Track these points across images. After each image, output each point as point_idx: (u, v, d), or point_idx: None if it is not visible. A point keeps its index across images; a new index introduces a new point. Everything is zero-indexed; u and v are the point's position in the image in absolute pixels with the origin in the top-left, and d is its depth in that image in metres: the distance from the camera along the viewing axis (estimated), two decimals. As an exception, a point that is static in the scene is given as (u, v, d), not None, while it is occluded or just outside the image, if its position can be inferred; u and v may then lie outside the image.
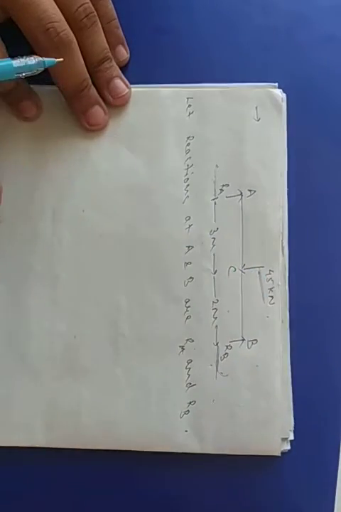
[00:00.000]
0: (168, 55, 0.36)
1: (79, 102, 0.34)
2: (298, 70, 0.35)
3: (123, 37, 0.35)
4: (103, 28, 0.34)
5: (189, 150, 0.34)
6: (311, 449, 0.33)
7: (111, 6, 0.35)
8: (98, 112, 0.34)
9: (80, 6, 0.32)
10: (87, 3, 0.32)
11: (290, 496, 0.33)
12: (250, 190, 0.34)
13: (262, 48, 0.36)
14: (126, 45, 0.36)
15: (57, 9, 0.31)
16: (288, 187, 0.34)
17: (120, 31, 0.35)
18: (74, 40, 0.32)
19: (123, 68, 0.35)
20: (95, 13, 0.33)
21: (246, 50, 0.36)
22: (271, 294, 0.33)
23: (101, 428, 0.32)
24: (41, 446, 0.32)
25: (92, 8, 0.33)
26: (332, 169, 0.34)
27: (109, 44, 0.34)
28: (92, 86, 0.34)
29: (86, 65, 0.33)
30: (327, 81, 0.35)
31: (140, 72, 0.36)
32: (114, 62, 0.34)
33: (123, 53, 0.35)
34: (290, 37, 0.36)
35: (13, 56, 0.31)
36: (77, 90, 0.33)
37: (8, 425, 0.33)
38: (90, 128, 0.34)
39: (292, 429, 0.32)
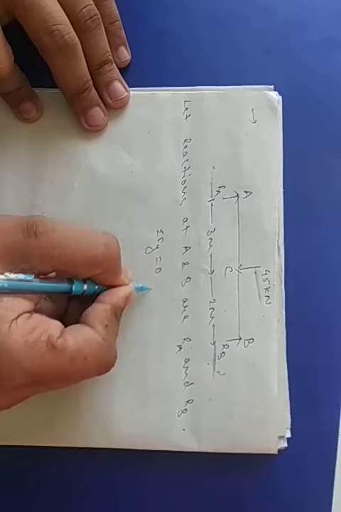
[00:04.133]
0: (167, 57, 0.36)
1: (79, 103, 0.34)
2: (295, 73, 0.36)
3: (125, 38, 0.36)
4: (106, 29, 0.34)
5: (186, 152, 0.35)
6: (308, 446, 0.33)
7: (114, 6, 0.35)
8: (97, 113, 0.35)
9: (84, 7, 0.32)
10: (91, 4, 0.33)
11: (288, 493, 0.33)
12: (246, 192, 0.34)
13: (260, 51, 0.36)
14: (128, 47, 0.36)
15: (62, 11, 0.31)
16: (283, 188, 0.34)
17: (123, 32, 0.36)
18: (79, 43, 0.32)
19: (123, 70, 0.36)
20: (99, 15, 0.33)
21: (245, 53, 0.36)
22: (267, 294, 0.33)
23: (100, 427, 0.33)
24: (40, 445, 0.33)
25: (96, 9, 0.33)
26: (328, 170, 0.35)
27: (111, 44, 0.35)
28: (93, 88, 0.34)
29: (87, 66, 0.33)
30: (324, 84, 0.36)
31: (138, 74, 0.36)
32: (114, 65, 0.35)
33: (125, 54, 0.36)
34: (288, 40, 0.36)
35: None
36: (78, 92, 0.34)
37: (8, 425, 0.33)
38: (89, 129, 0.35)
39: (289, 426, 0.33)
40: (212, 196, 0.34)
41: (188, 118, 0.35)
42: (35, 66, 0.33)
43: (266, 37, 0.36)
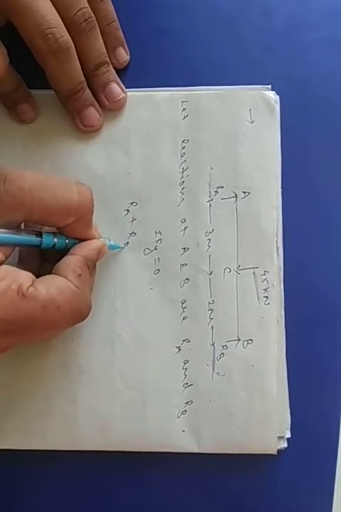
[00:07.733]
0: (165, 57, 0.36)
1: (73, 104, 0.34)
2: (296, 72, 0.36)
3: (124, 39, 0.36)
4: (103, 30, 0.34)
5: (184, 153, 0.35)
6: (308, 446, 0.33)
7: (111, 7, 0.35)
8: (92, 113, 0.34)
9: (79, 10, 0.32)
10: (86, 7, 0.32)
11: (288, 493, 0.33)
12: (244, 192, 0.34)
13: (260, 50, 0.36)
14: (127, 47, 0.36)
15: (56, 14, 0.31)
16: (282, 188, 0.34)
17: (120, 33, 0.35)
18: (73, 45, 0.32)
19: (121, 70, 0.36)
20: (94, 17, 0.33)
21: (245, 52, 0.36)
22: (266, 295, 0.33)
23: (98, 429, 0.32)
24: (38, 449, 0.33)
25: (91, 12, 0.33)
26: (326, 170, 0.35)
27: (108, 46, 0.35)
28: (87, 89, 0.34)
29: (83, 68, 0.33)
30: (324, 82, 0.35)
31: (136, 74, 0.36)
32: (111, 67, 0.35)
33: (124, 55, 0.36)
34: (288, 39, 0.36)
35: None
36: (71, 92, 0.33)
37: (5, 428, 0.33)
38: (84, 129, 0.34)
39: (288, 427, 0.33)
40: (210, 197, 0.34)
41: (186, 118, 0.35)
42: (31, 67, 0.33)
43: (269, 36, 0.36)
